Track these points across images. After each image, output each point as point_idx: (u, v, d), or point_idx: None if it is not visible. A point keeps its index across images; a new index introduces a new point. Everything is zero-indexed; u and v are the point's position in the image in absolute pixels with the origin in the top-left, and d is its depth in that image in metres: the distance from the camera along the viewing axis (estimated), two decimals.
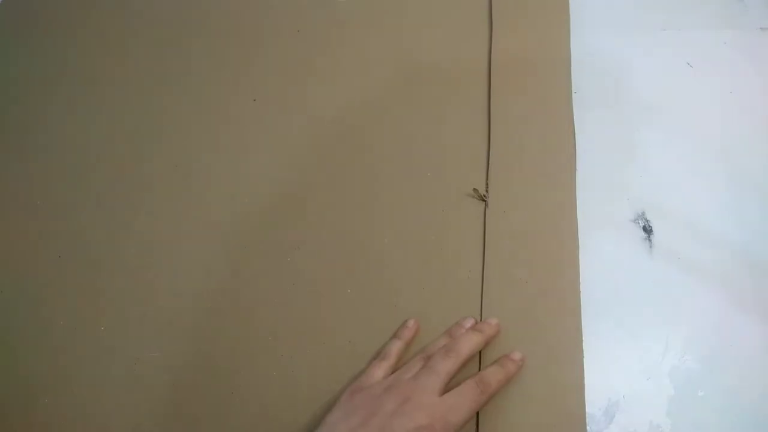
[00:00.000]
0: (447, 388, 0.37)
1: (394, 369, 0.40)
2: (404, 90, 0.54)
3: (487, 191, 0.47)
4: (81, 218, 0.49)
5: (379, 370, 0.39)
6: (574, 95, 0.51)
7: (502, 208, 0.46)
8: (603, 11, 0.56)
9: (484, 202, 0.46)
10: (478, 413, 0.38)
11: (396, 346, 0.41)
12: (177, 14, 0.61)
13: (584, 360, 0.40)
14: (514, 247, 0.45)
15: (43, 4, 0.63)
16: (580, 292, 0.42)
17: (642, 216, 0.46)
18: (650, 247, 0.45)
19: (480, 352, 0.40)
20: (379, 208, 0.47)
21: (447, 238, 0.46)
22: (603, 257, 0.44)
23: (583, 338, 0.40)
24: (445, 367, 0.38)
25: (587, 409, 0.38)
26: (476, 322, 0.42)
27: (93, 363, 0.43)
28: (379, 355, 0.41)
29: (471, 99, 0.52)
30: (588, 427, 0.37)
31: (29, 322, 0.45)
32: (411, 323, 0.42)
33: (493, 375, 0.38)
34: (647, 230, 0.45)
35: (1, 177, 0.52)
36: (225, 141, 0.52)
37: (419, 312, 0.43)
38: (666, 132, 0.49)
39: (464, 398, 0.36)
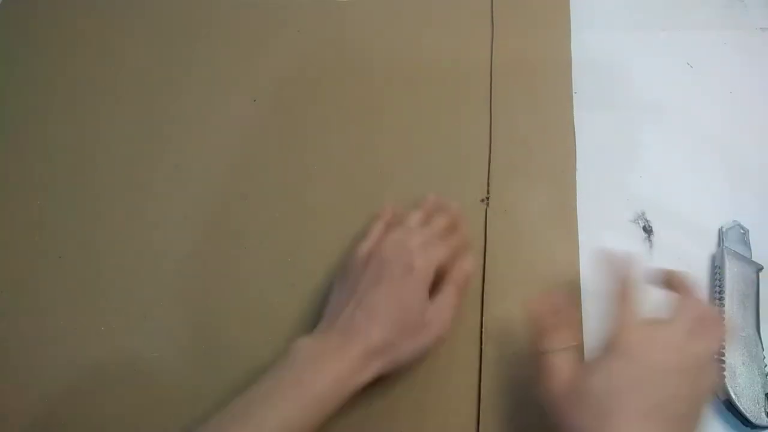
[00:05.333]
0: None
1: None
2: (405, 91, 0.53)
3: (488, 193, 0.47)
4: (83, 219, 0.49)
5: (363, 245, 0.41)
6: (574, 95, 0.51)
7: (503, 208, 0.46)
8: (603, 11, 0.56)
9: (485, 203, 0.46)
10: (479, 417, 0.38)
11: (377, 226, 0.43)
12: (176, 14, 0.61)
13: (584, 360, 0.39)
14: (515, 246, 0.45)
15: (43, 4, 0.64)
16: (580, 291, 0.42)
17: (642, 216, 0.46)
18: (650, 247, 0.45)
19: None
20: (380, 207, 0.47)
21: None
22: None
23: (584, 337, 0.41)
24: (420, 232, 0.41)
25: None
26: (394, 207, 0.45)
27: (93, 363, 0.43)
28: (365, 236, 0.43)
29: (472, 100, 0.52)
30: None
31: (29, 322, 0.45)
32: (387, 207, 0.45)
33: (442, 223, 0.42)
34: (647, 230, 0.45)
35: (0, 177, 0.52)
36: (225, 142, 0.52)
37: None
38: (666, 132, 0.49)
39: (433, 248, 0.39)
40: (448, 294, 0.39)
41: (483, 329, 0.42)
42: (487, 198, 0.47)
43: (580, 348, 0.40)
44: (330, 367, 0.35)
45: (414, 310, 0.37)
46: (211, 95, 0.55)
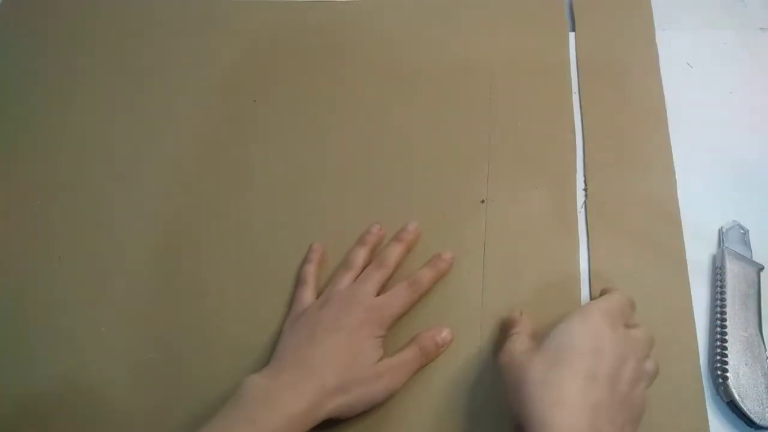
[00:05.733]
0: (382, 292, 0.41)
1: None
2: (407, 90, 0.53)
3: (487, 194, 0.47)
4: (82, 220, 0.49)
5: (306, 294, 0.43)
6: (574, 96, 0.51)
7: (505, 206, 0.46)
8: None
9: (484, 204, 0.46)
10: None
11: (310, 269, 0.44)
12: (177, 15, 0.61)
13: None
14: (514, 248, 0.45)
15: (43, 4, 0.63)
16: (580, 289, 0.42)
17: None
18: None
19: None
20: (380, 208, 0.47)
21: (448, 239, 0.45)
22: None
23: None
24: (376, 276, 0.42)
25: None
26: (381, 229, 0.45)
27: (93, 364, 0.43)
28: (298, 282, 0.44)
29: (473, 100, 0.52)
30: None
31: (29, 323, 0.45)
32: (315, 245, 0.45)
33: (424, 275, 0.42)
34: None
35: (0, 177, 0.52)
36: (229, 142, 0.52)
37: (421, 311, 0.42)
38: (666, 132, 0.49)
39: (397, 297, 0.41)
40: (409, 355, 0.39)
41: (481, 330, 0.41)
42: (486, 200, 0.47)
43: None
44: (283, 405, 0.34)
45: (368, 360, 0.37)
46: (212, 96, 0.55)
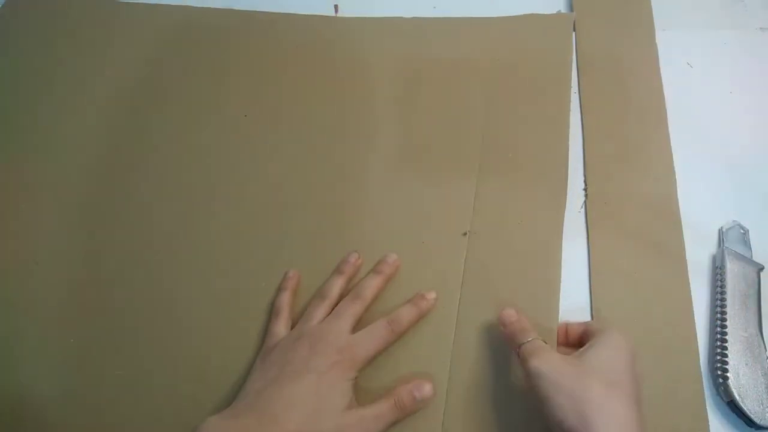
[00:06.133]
0: (357, 328, 0.40)
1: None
2: (393, 112, 0.52)
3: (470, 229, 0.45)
4: (60, 226, 0.48)
5: (279, 326, 0.41)
6: (574, 95, 0.51)
7: (488, 240, 0.45)
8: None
9: (466, 237, 0.45)
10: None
11: (285, 298, 0.42)
12: (173, 20, 0.60)
13: None
14: (494, 281, 0.43)
15: (44, 5, 0.63)
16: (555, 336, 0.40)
17: None
18: None
19: None
20: (359, 234, 0.46)
21: (425, 271, 0.44)
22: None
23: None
24: (351, 310, 0.40)
25: None
26: (359, 258, 0.44)
27: (60, 374, 0.42)
28: (272, 311, 0.42)
29: (467, 100, 0.51)
30: None
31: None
32: (291, 273, 0.44)
33: (404, 314, 0.40)
34: None
35: None
36: (220, 153, 0.51)
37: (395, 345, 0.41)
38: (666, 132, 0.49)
39: (373, 335, 0.39)
40: (383, 408, 0.36)
41: (450, 372, 0.40)
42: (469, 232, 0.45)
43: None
44: None
45: (335, 407, 0.36)
46: (205, 104, 0.54)
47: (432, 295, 0.42)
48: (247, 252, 0.46)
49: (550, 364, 0.34)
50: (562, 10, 0.57)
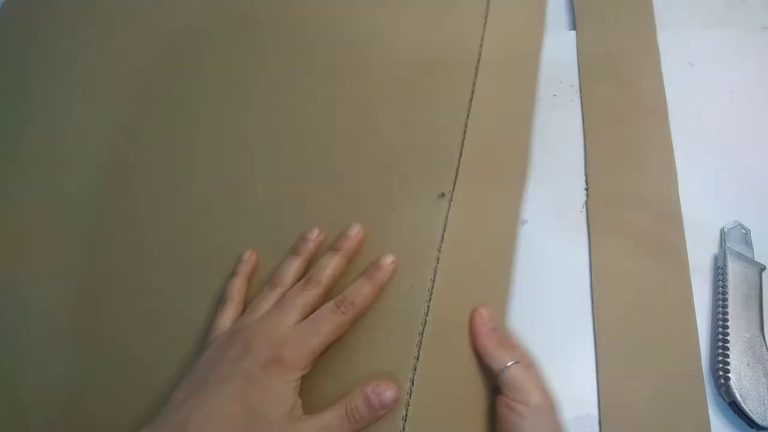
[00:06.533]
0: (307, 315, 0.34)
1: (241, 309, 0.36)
2: (374, 81, 0.51)
3: (453, 189, 0.41)
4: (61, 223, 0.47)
5: (225, 317, 0.35)
6: (574, 94, 0.51)
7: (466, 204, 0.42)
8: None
9: (446, 198, 0.40)
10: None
11: (236, 285, 0.37)
12: (173, 16, 0.60)
13: None
14: (472, 246, 0.40)
15: (44, 6, 0.63)
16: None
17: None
18: None
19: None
20: (325, 206, 0.43)
21: (400, 235, 0.39)
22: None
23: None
24: (301, 298, 0.34)
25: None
26: (320, 234, 0.38)
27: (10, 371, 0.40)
28: (221, 299, 0.36)
29: (452, 95, 0.49)
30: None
31: None
32: (247, 255, 0.39)
33: (357, 291, 0.34)
34: None
35: None
36: (217, 145, 0.50)
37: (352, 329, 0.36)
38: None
39: (319, 324, 0.32)
40: (329, 418, 0.30)
41: (423, 334, 0.35)
42: (449, 193, 0.40)
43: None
44: None
45: (267, 419, 0.29)
46: (205, 99, 0.53)
47: (388, 260, 0.36)
48: (198, 232, 0.41)
49: (551, 407, 0.32)
50: (563, 11, 0.57)
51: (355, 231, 0.38)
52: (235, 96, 0.52)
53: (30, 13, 0.63)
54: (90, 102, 0.55)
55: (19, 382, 0.39)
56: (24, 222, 0.47)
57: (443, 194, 0.39)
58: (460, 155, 0.43)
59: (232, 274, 0.38)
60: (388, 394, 0.31)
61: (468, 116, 0.47)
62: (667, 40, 0.53)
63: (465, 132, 0.45)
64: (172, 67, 0.56)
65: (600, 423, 0.38)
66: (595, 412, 0.38)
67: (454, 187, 0.40)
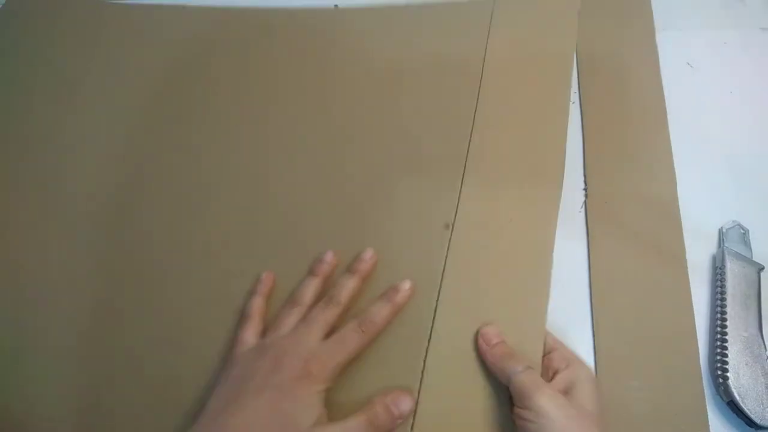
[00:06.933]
0: (331, 335, 0.36)
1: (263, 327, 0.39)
2: (374, 99, 0.51)
3: (454, 222, 0.43)
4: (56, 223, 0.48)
5: (248, 333, 0.38)
6: (573, 95, 0.51)
7: (473, 234, 0.43)
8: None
9: (449, 230, 0.42)
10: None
11: (257, 303, 0.40)
12: (171, 18, 0.60)
13: None
14: (478, 278, 0.41)
15: (43, 5, 0.63)
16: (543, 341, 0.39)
17: None
18: None
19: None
20: (337, 230, 0.44)
21: (404, 268, 0.41)
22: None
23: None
24: (323, 316, 0.37)
25: None
26: (334, 257, 0.41)
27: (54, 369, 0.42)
28: (242, 317, 0.39)
29: (459, 98, 0.50)
30: None
31: None
32: (264, 276, 0.41)
33: (377, 312, 0.37)
34: None
35: None
36: (203, 149, 0.51)
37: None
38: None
39: (342, 341, 0.36)
40: (352, 425, 0.33)
41: (425, 368, 0.37)
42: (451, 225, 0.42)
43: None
44: None
45: (299, 426, 0.32)
46: (202, 102, 0.54)
47: (406, 286, 0.38)
48: (216, 254, 0.44)
49: (558, 407, 0.32)
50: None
51: (369, 255, 0.40)
52: (249, 116, 0.52)
53: (30, 13, 0.63)
54: (90, 102, 0.55)
55: (35, 392, 0.41)
56: (41, 231, 0.48)
57: (447, 225, 0.42)
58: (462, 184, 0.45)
59: (252, 293, 0.41)
60: (406, 403, 0.34)
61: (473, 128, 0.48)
62: (666, 40, 0.54)
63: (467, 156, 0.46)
64: (188, 84, 0.56)
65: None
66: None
67: (455, 218, 0.43)
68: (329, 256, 0.41)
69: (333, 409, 0.35)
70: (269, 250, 0.44)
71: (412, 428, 0.35)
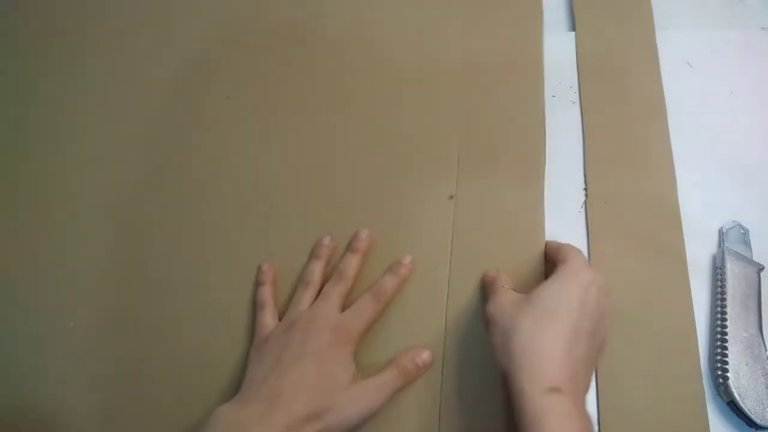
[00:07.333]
0: (345, 307, 0.41)
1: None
2: (377, 85, 0.53)
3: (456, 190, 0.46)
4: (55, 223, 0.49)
5: (267, 318, 0.42)
6: (574, 95, 0.51)
7: (475, 202, 0.46)
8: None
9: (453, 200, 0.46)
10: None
11: (267, 291, 0.43)
12: (167, 17, 0.60)
13: None
14: (482, 244, 0.44)
15: (44, 5, 0.63)
16: None
17: None
18: None
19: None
20: (339, 213, 0.47)
21: (414, 238, 0.45)
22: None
23: None
24: (337, 290, 0.42)
25: None
26: (332, 240, 0.45)
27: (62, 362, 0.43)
28: (257, 305, 0.43)
29: (445, 97, 0.51)
30: None
31: None
32: (265, 266, 0.45)
33: (387, 284, 0.42)
34: None
35: None
36: (206, 143, 0.52)
37: (384, 317, 0.42)
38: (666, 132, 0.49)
39: (363, 310, 0.41)
40: (387, 377, 0.38)
41: (446, 331, 0.41)
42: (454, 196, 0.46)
43: None
44: None
45: (340, 382, 0.37)
46: (192, 97, 0.54)
47: (408, 260, 0.43)
48: (220, 247, 0.47)
49: (496, 306, 0.37)
50: (562, 12, 0.57)
51: (365, 234, 0.45)
52: (255, 113, 0.53)
53: (29, 13, 0.63)
54: (91, 102, 0.55)
55: (57, 381, 0.43)
56: (48, 229, 0.49)
57: (451, 196, 0.46)
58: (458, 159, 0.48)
59: (259, 283, 0.44)
60: (426, 354, 0.40)
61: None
62: (665, 40, 0.53)
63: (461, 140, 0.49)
64: (197, 82, 0.56)
65: (599, 422, 0.38)
66: (594, 411, 0.38)
67: (456, 188, 0.47)
68: (327, 240, 0.45)
69: (364, 368, 0.40)
70: (277, 239, 0.46)
71: (442, 372, 0.40)
